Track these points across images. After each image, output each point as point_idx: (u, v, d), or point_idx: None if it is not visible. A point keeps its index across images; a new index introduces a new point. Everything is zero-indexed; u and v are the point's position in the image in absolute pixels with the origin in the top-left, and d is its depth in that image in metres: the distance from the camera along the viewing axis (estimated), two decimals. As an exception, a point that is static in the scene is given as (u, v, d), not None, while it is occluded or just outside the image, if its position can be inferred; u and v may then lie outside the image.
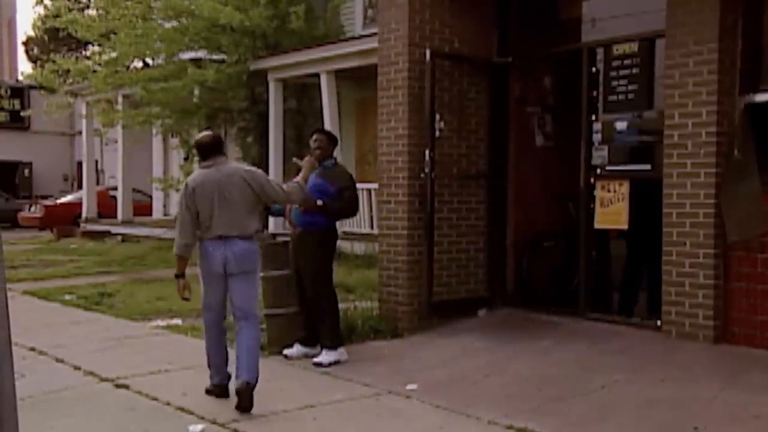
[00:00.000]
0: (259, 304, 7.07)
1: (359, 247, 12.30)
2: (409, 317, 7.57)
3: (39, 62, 31.36)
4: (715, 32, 6.28)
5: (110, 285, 11.37)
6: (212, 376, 5.75)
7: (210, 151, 5.70)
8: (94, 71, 16.90)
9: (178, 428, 5.02)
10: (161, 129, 17.35)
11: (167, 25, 15.75)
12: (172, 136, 17.74)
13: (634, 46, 7.29)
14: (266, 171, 14.98)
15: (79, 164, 28.79)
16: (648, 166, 7.24)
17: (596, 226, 7.54)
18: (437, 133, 7.68)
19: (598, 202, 7.44)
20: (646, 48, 7.26)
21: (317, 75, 14.39)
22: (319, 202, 6.51)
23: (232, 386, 5.50)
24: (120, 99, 18.54)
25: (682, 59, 6.47)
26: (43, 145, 32.49)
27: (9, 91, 31.63)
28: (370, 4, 15.46)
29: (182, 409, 5.39)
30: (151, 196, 22.31)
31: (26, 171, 33.10)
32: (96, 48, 17.98)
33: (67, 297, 10.41)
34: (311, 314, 6.68)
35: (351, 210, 6.93)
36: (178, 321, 8.54)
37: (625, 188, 7.24)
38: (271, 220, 14.67)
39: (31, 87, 29.31)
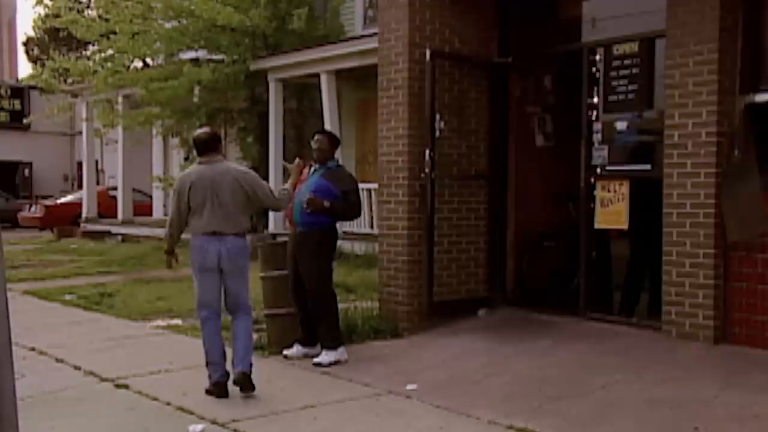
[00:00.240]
0: (259, 304, 7.09)
1: (359, 247, 12.30)
2: (409, 317, 7.57)
3: (39, 62, 31.37)
4: (716, 32, 6.29)
5: (110, 285, 11.37)
6: (211, 375, 5.75)
7: (206, 147, 5.86)
8: (95, 71, 16.91)
9: (179, 428, 5.02)
10: (161, 129, 17.36)
11: (167, 25, 15.76)
12: (173, 135, 17.74)
13: (634, 46, 7.29)
14: (266, 171, 15.03)
15: (80, 164, 28.80)
16: (648, 166, 7.24)
17: (596, 226, 7.54)
18: (437, 133, 7.68)
19: (599, 202, 7.44)
20: (646, 48, 7.26)
21: (317, 75, 14.39)
22: (327, 204, 6.51)
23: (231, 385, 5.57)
24: (120, 99, 18.55)
25: (682, 59, 6.47)
26: (43, 145, 32.48)
27: (9, 91, 31.62)
28: (371, 4, 15.46)
29: (182, 409, 5.39)
30: (151, 196, 22.30)
31: (26, 171, 33.09)
32: (96, 48, 17.97)
33: (68, 297, 10.40)
34: (310, 314, 6.67)
35: (356, 212, 6.95)
36: (178, 321, 8.54)
37: (625, 188, 7.24)
38: (271, 220, 14.69)
39: (31, 87, 29.29)
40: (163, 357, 6.84)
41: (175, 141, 18.10)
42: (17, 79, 23.17)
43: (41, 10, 30.40)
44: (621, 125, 7.53)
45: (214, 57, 15.69)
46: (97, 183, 23.83)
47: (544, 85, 9.16)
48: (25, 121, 25.42)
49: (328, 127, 13.51)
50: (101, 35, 16.31)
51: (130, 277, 12.45)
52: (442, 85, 7.78)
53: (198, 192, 5.70)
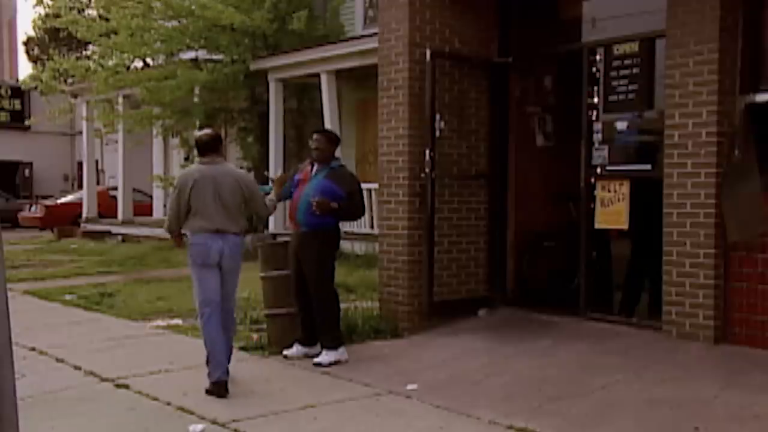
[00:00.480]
0: (259, 303, 7.09)
1: (359, 247, 12.31)
2: (409, 317, 7.57)
3: (39, 62, 31.35)
4: (716, 32, 6.29)
5: (111, 285, 11.37)
6: (212, 373, 5.76)
7: (208, 148, 6.04)
8: (95, 71, 16.91)
9: (179, 428, 5.02)
10: (161, 130, 17.36)
11: (167, 24, 15.76)
12: (173, 136, 17.75)
13: (634, 46, 7.30)
14: (266, 171, 15.01)
15: (80, 164, 28.80)
16: (648, 166, 7.25)
17: (596, 226, 7.54)
18: (438, 133, 7.68)
19: (599, 202, 7.44)
20: (647, 48, 7.27)
21: (317, 75, 14.39)
22: (334, 205, 6.51)
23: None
24: (120, 99, 18.55)
25: (682, 59, 6.47)
26: (43, 145, 32.48)
27: (9, 91, 31.61)
28: (371, 4, 15.46)
29: (183, 409, 5.39)
30: (151, 196, 22.30)
31: (27, 171, 33.09)
32: (96, 48, 17.98)
33: (68, 297, 10.40)
34: (311, 314, 6.67)
35: (360, 212, 6.97)
36: (178, 321, 8.54)
37: (625, 188, 7.24)
38: (271, 220, 14.68)
39: (32, 87, 29.29)
40: (163, 357, 6.84)
41: (175, 141, 18.11)
42: (17, 80, 23.16)
43: (41, 10, 30.41)
44: (621, 125, 7.53)
45: (214, 57, 15.69)
46: (98, 183, 23.84)
47: (544, 85, 9.16)
48: (26, 122, 25.46)
49: (328, 127, 13.51)
50: (101, 35, 16.31)
51: (131, 277, 12.46)
52: (442, 85, 7.78)
53: (200, 191, 5.85)
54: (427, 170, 7.57)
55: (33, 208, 25.51)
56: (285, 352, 6.74)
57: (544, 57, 8.72)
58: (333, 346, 6.56)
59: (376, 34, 8.36)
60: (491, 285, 8.24)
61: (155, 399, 5.65)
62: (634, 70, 7.30)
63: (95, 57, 18.02)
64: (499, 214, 8.35)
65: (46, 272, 13.24)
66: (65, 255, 16.42)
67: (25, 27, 45.55)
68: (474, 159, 8.13)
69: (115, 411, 5.45)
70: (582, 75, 7.68)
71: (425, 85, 7.58)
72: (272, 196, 6.51)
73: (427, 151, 7.56)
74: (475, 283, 8.12)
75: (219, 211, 5.85)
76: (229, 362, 5.93)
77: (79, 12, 19.08)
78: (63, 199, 25.97)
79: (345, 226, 6.88)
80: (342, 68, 13.93)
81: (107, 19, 16.28)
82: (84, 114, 21.03)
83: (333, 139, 6.99)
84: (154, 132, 18.46)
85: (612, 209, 7.34)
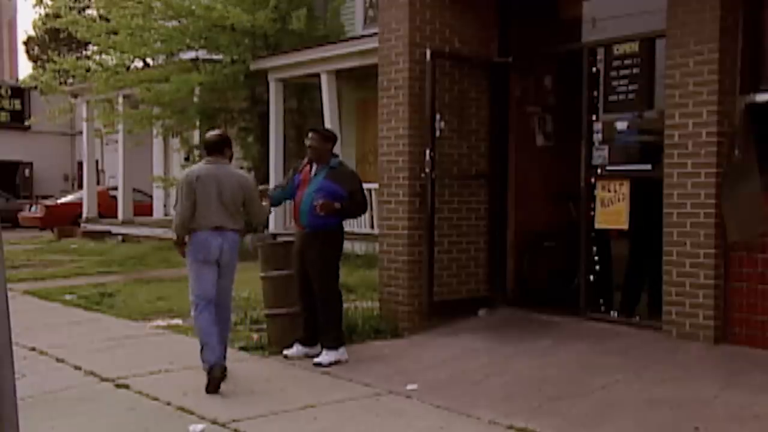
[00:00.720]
0: (259, 303, 7.09)
1: (360, 247, 12.31)
2: (409, 317, 7.57)
3: (39, 62, 31.33)
4: (716, 32, 6.28)
5: (111, 285, 11.37)
6: (206, 358, 5.83)
7: (214, 149, 6.27)
8: (95, 72, 16.91)
9: (179, 428, 5.02)
10: (161, 130, 17.36)
11: (167, 24, 15.76)
12: (173, 136, 17.75)
13: (634, 46, 7.30)
14: (267, 171, 15.04)
15: (80, 164, 28.81)
16: (648, 166, 7.24)
17: (596, 226, 7.54)
18: (438, 133, 7.68)
19: (599, 202, 7.44)
20: (647, 48, 7.26)
21: (318, 75, 14.39)
22: (337, 205, 6.52)
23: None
24: (120, 99, 18.55)
25: (682, 59, 6.47)
26: (43, 145, 32.47)
27: (9, 91, 31.61)
28: (371, 4, 15.46)
29: (183, 409, 5.39)
30: (151, 196, 22.31)
31: (27, 171, 33.09)
32: (96, 48, 17.98)
33: (68, 297, 10.40)
34: (315, 315, 6.67)
35: (363, 210, 7.01)
36: (178, 321, 8.54)
37: (625, 188, 7.24)
38: (271, 220, 14.68)
39: (32, 87, 29.29)
40: (163, 357, 6.84)
41: (175, 141, 18.11)
42: (17, 80, 23.18)
43: (41, 10, 30.43)
44: (621, 125, 7.52)
45: (214, 57, 15.69)
46: (98, 183, 23.84)
47: (544, 84, 9.16)
48: (27, 122, 25.45)
49: (328, 126, 13.51)
50: (101, 35, 16.31)
51: (131, 277, 12.46)
52: (442, 85, 7.78)
53: (203, 188, 6.05)
54: (427, 170, 7.57)
55: (33, 208, 25.51)
56: (285, 352, 6.74)
57: (544, 57, 8.72)
58: (333, 346, 6.56)
59: (376, 34, 8.37)
60: (491, 285, 8.24)
61: (155, 399, 5.65)
62: (634, 70, 7.30)
63: (95, 57, 18.01)
64: (499, 214, 8.34)
65: (46, 272, 13.24)
66: (65, 255, 16.42)
67: (25, 27, 45.55)
68: (474, 159, 8.13)
69: (115, 411, 5.45)
70: (582, 75, 7.68)
71: (425, 85, 7.58)
72: (266, 204, 6.76)
73: (427, 151, 7.56)
74: (475, 283, 8.12)
75: (220, 209, 6.04)
76: (225, 359, 6.03)
77: (79, 12, 19.08)
78: (63, 199, 25.97)
79: (345, 226, 6.88)
80: (342, 68, 13.93)
81: (107, 19, 16.29)
82: (84, 114, 21.04)
83: (329, 137, 6.91)
84: (154, 132, 18.47)
85: (612, 209, 7.34)
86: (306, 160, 6.89)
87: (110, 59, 17.05)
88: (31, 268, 13.94)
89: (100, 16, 17.56)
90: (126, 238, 18.90)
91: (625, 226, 7.32)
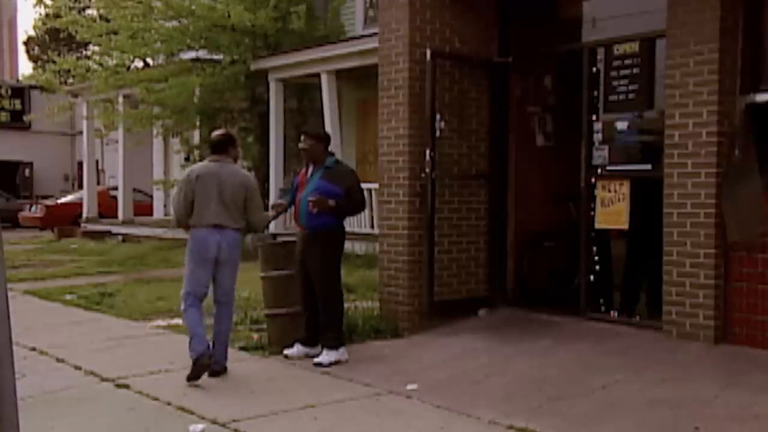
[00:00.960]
0: (259, 303, 7.09)
1: (360, 247, 12.31)
2: (409, 317, 7.57)
3: (39, 62, 31.36)
4: (716, 32, 6.28)
5: (111, 285, 11.37)
6: (194, 348, 5.97)
7: (218, 148, 6.36)
8: (95, 71, 16.91)
9: (179, 428, 5.02)
10: (161, 130, 17.37)
11: (167, 24, 15.76)
12: (173, 136, 17.76)
13: (634, 46, 7.29)
14: (267, 171, 15.04)
15: (80, 164, 28.81)
16: (648, 166, 7.24)
17: (597, 226, 7.54)
18: (438, 133, 7.68)
19: (599, 202, 7.44)
20: (647, 48, 7.26)
21: (318, 75, 14.39)
22: (332, 202, 6.51)
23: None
24: (120, 99, 18.56)
25: (682, 59, 6.47)
26: (43, 145, 32.48)
27: (10, 91, 31.62)
28: (371, 4, 15.46)
29: (183, 409, 5.39)
30: (151, 196, 22.32)
31: (27, 171, 33.09)
32: (96, 48, 18.00)
33: (68, 297, 10.40)
34: (316, 314, 6.67)
35: (360, 207, 6.98)
36: (178, 321, 8.50)
37: (625, 188, 7.24)
38: (271, 219, 14.66)
39: (31, 87, 29.32)
40: (163, 357, 6.84)
41: (175, 141, 18.11)
42: (18, 79, 23.20)
43: (41, 10, 30.45)
44: (621, 125, 7.52)
45: (215, 57, 15.69)
46: (98, 183, 23.84)
47: (544, 84, 9.16)
48: (25, 118, 25.43)
49: (328, 126, 13.52)
50: (101, 35, 16.31)
51: (131, 277, 12.46)
52: (442, 84, 7.78)
53: (203, 185, 6.12)
54: (427, 170, 7.57)
55: (33, 208, 25.51)
56: (286, 352, 6.74)
57: (544, 57, 8.71)
58: (334, 346, 6.56)
59: (376, 34, 8.37)
60: (491, 285, 8.24)
61: (155, 399, 5.65)
62: (635, 70, 7.30)
63: (95, 57, 18.02)
64: (499, 214, 8.34)
65: (46, 272, 13.25)
66: (65, 255, 16.42)
67: (26, 27, 45.58)
68: (474, 159, 8.13)
69: (116, 411, 5.45)
70: (582, 75, 7.68)
71: (425, 85, 7.58)
72: (271, 213, 6.94)
73: (428, 151, 7.56)
74: (476, 283, 8.12)
75: (219, 207, 6.10)
76: (226, 359, 6.23)
77: (79, 12, 19.09)
78: (63, 199, 25.98)
79: (346, 226, 6.89)
80: (342, 68, 13.93)
81: (107, 20, 16.29)
82: (84, 114, 21.04)
83: (321, 138, 6.90)
84: (154, 132, 18.48)
85: (612, 209, 7.34)
86: (303, 165, 6.93)
87: (110, 60, 17.04)
88: (32, 268, 13.94)
89: (100, 16, 17.56)
90: (126, 238, 18.91)
91: (626, 226, 7.32)
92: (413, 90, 7.61)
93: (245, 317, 8.00)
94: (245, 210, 6.27)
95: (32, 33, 35.34)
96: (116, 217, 20.30)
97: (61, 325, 8.61)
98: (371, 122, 12.23)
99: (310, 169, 6.77)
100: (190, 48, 15.87)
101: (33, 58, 34.94)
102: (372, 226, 12.86)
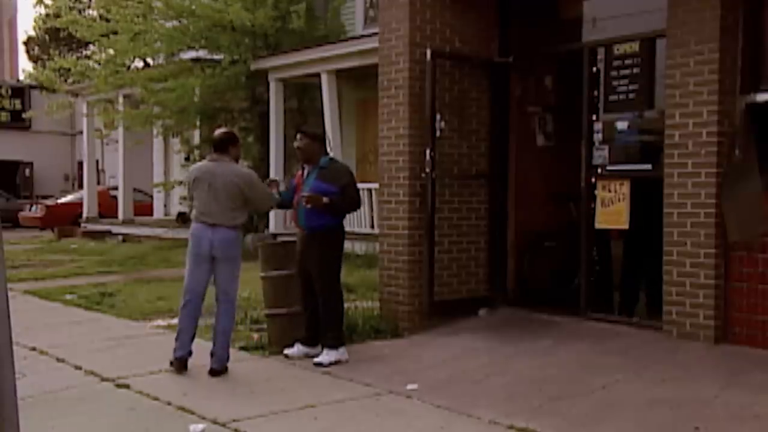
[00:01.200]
0: (259, 303, 7.09)
1: (360, 247, 12.31)
2: (409, 317, 7.57)
3: (40, 62, 31.36)
4: (716, 32, 6.28)
5: (111, 285, 11.36)
6: (177, 350, 6.29)
7: (217, 147, 6.44)
8: (95, 71, 16.92)
9: (179, 428, 5.02)
10: (161, 129, 17.38)
11: (168, 24, 15.77)
12: (173, 135, 17.76)
13: (634, 46, 7.29)
14: (267, 170, 15.03)
15: (80, 164, 28.81)
16: (649, 166, 7.24)
17: (597, 226, 7.54)
18: (438, 133, 7.68)
19: (599, 202, 7.44)
20: (647, 48, 7.26)
21: (318, 75, 14.39)
22: (325, 200, 6.50)
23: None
24: (120, 99, 18.57)
25: (682, 59, 6.47)
26: (43, 144, 32.48)
27: (10, 91, 31.62)
28: (371, 4, 15.46)
29: (183, 409, 5.39)
30: (152, 196, 22.32)
31: (27, 171, 33.09)
32: (96, 48, 18.02)
33: (68, 297, 10.40)
34: (316, 314, 6.67)
35: (355, 205, 6.92)
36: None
37: (625, 188, 7.24)
38: (271, 219, 14.69)
39: (31, 87, 29.32)
40: (163, 357, 6.82)
41: (175, 141, 18.11)
42: (18, 79, 23.20)
43: (41, 10, 30.47)
44: (622, 125, 7.52)
45: (215, 57, 15.69)
46: (98, 183, 23.85)
47: (544, 84, 9.16)
48: (24, 116, 25.40)
49: (328, 126, 13.52)
50: (101, 35, 16.32)
51: (131, 277, 12.45)
52: (442, 84, 7.78)
53: (199, 184, 6.27)
54: (427, 170, 7.57)
55: (33, 208, 25.52)
56: (286, 352, 6.74)
57: (544, 57, 8.72)
58: (334, 346, 6.55)
59: (376, 34, 8.36)
60: (492, 285, 8.24)
61: (156, 399, 5.65)
62: (635, 70, 7.30)
63: (95, 57, 18.03)
64: (499, 213, 8.34)
65: (46, 272, 13.24)
66: (65, 255, 16.42)
67: (26, 27, 45.54)
68: (474, 159, 8.13)
69: (116, 411, 5.45)
70: (582, 75, 7.68)
71: (425, 84, 7.58)
72: (276, 192, 6.83)
73: (428, 151, 7.56)
74: (476, 282, 8.12)
75: (212, 205, 6.20)
76: (228, 358, 6.30)
77: (79, 12, 19.11)
78: (63, 199, 25.98)
79: (346, 226, 6.88)
80: (342, 68, 13.93)
81: (108, 20, 16.29)
82: (84, 113, 21.04)
83: (316, 137, 6.84)
84: (155, 132, 18.49)
85: (612, 209, 7.33)
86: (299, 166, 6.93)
87: (110, 63, 17.04)
88: (32, 268, 13.94)
89: (100, 16, 17.57)
90: (126, 237, 18.91)
91: (626, 226, 7.32)
92: (413, 90, 7.61)
93: (245, 317, 7.99)
94: (248, 198, 6.29)
95: (32, 33, 35.34)
96: (116, 216, 20.31)
97: (62, 324, 8.60)
98: (371, 122, 12.24)
99: (306, 171, 6.77)
100: (190, 48, 15.87)
101: (33, 58, 34.93)
102: (372, 226, 12.87)
